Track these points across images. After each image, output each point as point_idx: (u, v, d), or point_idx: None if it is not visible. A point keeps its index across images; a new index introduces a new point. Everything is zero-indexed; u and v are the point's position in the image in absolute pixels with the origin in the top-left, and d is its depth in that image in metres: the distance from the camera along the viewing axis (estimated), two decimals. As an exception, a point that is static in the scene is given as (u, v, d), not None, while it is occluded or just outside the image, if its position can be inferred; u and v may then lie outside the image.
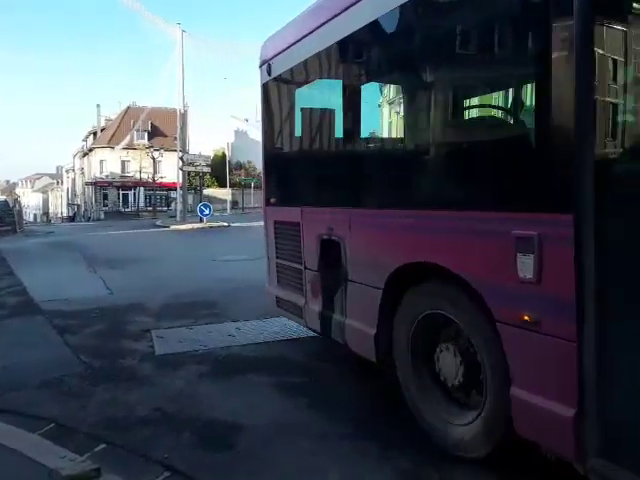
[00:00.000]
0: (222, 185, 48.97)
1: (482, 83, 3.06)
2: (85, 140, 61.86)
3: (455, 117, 3.11)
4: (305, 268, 4.12)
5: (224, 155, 49.69)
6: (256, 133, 63.94)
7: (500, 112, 3.14)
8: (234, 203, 47.81)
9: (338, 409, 3.46)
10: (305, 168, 4.47)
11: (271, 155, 5.02)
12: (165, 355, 4.70)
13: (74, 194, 67.01)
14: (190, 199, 39.34)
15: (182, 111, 29.25)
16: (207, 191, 45.30)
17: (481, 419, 2.64)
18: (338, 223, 3.65)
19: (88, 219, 50.98)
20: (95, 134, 57.31)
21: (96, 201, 52.92)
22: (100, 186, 52.44)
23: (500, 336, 2.40)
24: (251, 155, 60.03)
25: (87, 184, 56.13)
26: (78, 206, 62.33)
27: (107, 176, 52.33)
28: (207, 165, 29.37)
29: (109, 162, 52.35)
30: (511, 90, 3.01)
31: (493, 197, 2.51)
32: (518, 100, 2.90)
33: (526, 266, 2.23)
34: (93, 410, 3.53)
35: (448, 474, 2.66)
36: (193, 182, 41.65)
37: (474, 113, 3.23)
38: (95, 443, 3.02)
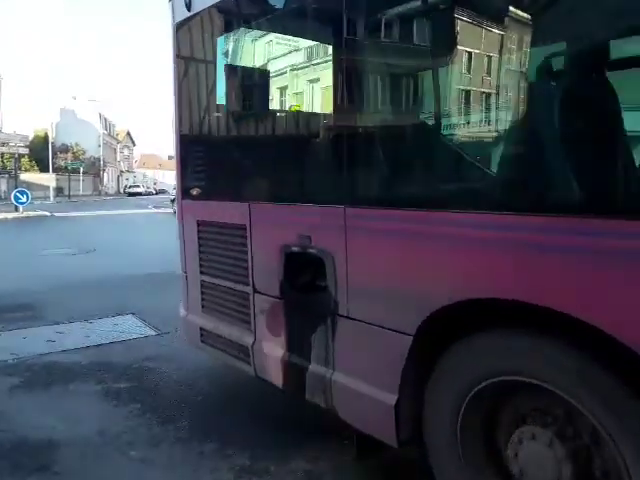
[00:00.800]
0: (44, 170, 43.91)
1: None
2: None
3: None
4: (255, 292, 2.92)
5: (47, 136, 44.55)
6: (84, 113, 58.82)
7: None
8: (59, 190, 43.42)
9: (172, 412, 3.31)
10: (255, 145, 3.12)
11: (192, 126, 3.59)
12: (-36, 368, 4.04)
13: None
14: (3, 184, 34.82)
15: (-8, 82, 25.51)
16: (25, 176, 40.36)
17: None
18: (321, 228, 2.50)
19: None
20: None
21: None
22: None
23: None
24: (79, 136, 54.95)
25: None
26: None
27: None
28: (25, 146, 26.13)
29: None
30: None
31: None
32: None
33: None
34: None
35: (283, 467, 2.69)
36: (7, 165, 37.03)
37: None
38: None
